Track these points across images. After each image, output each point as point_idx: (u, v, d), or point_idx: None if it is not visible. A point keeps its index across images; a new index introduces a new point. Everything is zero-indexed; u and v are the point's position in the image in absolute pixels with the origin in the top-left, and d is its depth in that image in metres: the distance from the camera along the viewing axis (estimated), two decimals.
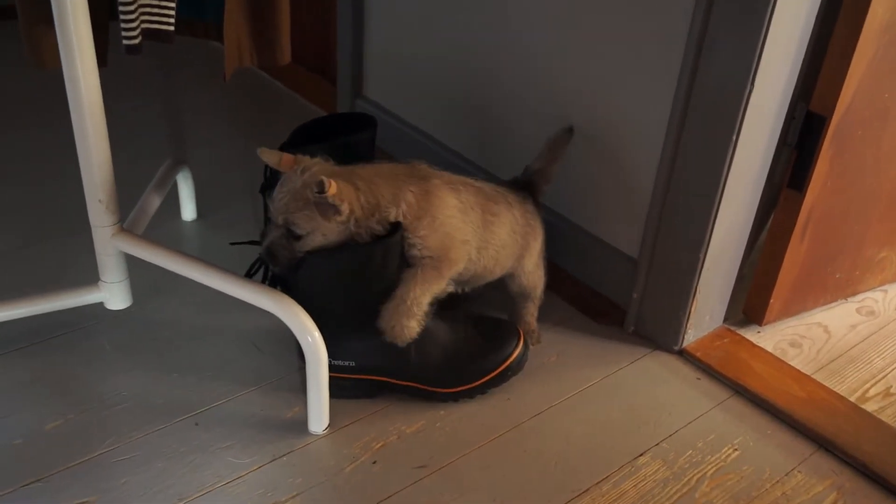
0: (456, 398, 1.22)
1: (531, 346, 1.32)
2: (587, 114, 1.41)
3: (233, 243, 1.33)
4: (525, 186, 1.31)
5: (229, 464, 1.11)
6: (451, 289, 1.21)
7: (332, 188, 1.03)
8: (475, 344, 1.23)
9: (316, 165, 1.10)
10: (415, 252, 1.13)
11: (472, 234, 1.18)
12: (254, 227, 1.58)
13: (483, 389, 1.23)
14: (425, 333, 1.16)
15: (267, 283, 1.22)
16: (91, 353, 1.28)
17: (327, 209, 1.06)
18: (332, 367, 1.16)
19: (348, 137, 1.28)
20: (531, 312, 1.35)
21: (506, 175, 1.39)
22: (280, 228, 1.09)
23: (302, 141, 1.27)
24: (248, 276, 1.20)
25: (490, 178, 1.37)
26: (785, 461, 1.19)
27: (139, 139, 1.84)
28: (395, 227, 1.11)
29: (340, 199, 1.05)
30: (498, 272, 1.26)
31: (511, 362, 1.23)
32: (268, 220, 1.28)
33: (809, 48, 1.22)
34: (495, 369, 1.22)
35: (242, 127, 1.96)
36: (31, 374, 1.22)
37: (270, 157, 1.11)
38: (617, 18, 1.32)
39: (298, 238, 1.09)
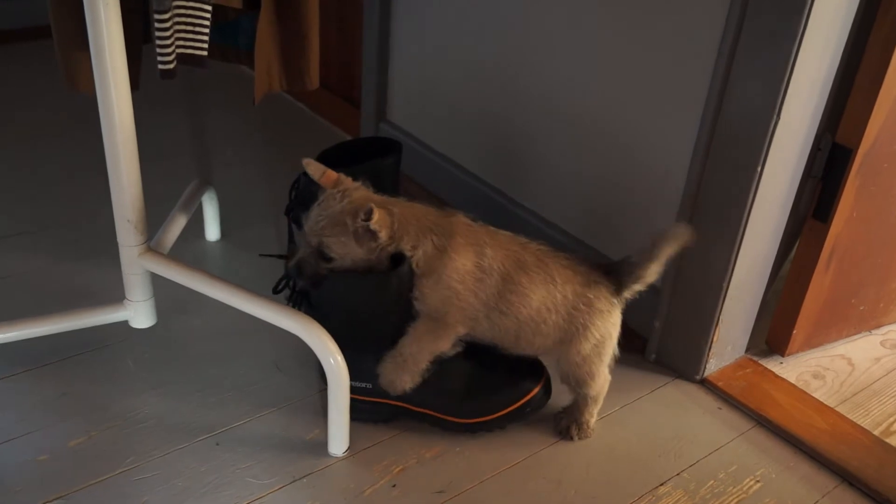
0: (472, 430, 1.22)
1: (575, 438, 1.23)
2: (610, 139, 1.42)
3: (262, 255, 1.34)
4: (610, 273, 1.15)
5: (249, 484, 1.12)
6: (455, 349, 1.17)
7: (377, 216, 1.04)
8: (497, 376, 1.21)
9: (357, 191, 1.11)
10: (415, 304, 1.13)
11: (480, 302, 1.11)
12: (277, 248, 1.60)
13: (501, 424, 1.23)
14: (447, 361, 1.17)
15: (290, 301, 1.23)
16: (115, 370, 1.29)
17: (366, 235, 1.07)
18: (349, 389, 1.17)
19: (373, 162, 1.30)
20: (580, 408, 1.22)
21: (530, 199, 1.39)
22: (311, 247, 1.10)
23: (328, 164, 1.29)
24: (276, 292, 1.21)
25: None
26: (807, 494, 1.18)
27: (167, 159, 1.86)
28: (402, 256, 1.11)
29: (380, 227, 1.06)
30: (527, 347, 1.17)
31: (531, 398, 1.21)
32: (292, 240, 1.30)
33: (836, 80, 1.22)
34: (514, 403, 1.21)
35: (267, 149, 1.98)
36: (56, 391, 1.24)
37: (315, 169, 1.11)
38: (643, 47, 1.33)
39: (329, 259, 1.10)
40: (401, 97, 1.87)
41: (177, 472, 1.13)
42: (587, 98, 1.44)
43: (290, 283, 1.25)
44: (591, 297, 1.13)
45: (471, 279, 1.10)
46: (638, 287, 1.15)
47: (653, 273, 1.13)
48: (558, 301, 1.12)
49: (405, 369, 1.15)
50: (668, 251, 1.12)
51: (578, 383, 1.19)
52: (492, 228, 1.14)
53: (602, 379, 1.19)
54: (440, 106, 1.76)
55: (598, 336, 1.15)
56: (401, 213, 1.09)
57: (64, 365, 1.29)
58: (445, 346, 1.15)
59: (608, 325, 1.15)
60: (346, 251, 1.09)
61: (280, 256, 1.26)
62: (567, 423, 1.23)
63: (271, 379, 1.30)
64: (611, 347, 1.17)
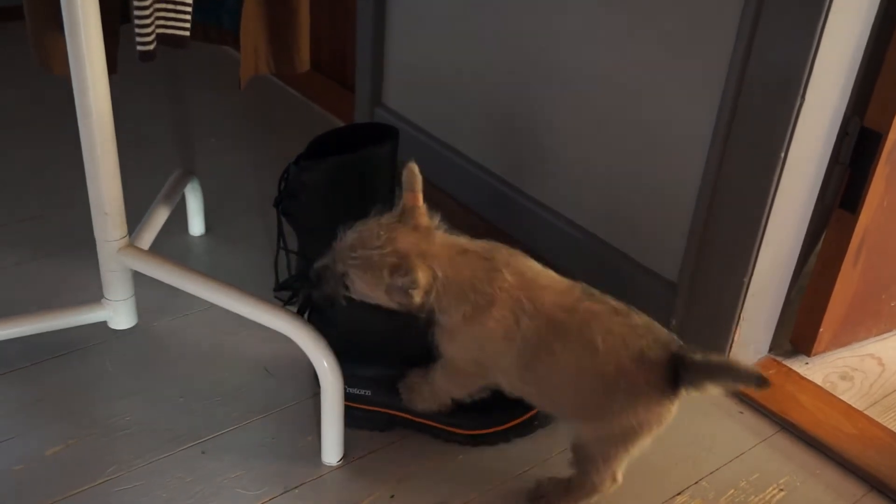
0: (475, 442, 1.22)
1: None
2: (624, 128, 1.42)
3: (280, 248, 1.32)
4: (677, 358, 1.02)
5: (238, 495, 1.12)
6: (481, 395, 1.14)
7: (420, 283, 0.99)
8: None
9: (411, 234, 1.03)
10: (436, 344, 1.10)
11: (503, 366, 1.07)
12: (266, 243, 1.60)
13: (506, 436, 1.23)
14: None
15: (290, 303, 1.23)
16: (94, 374, 1.29)
17: (398, 294, 1.01)
18: (345, 396, 1.17)
19: (368, 150, 1.30)
20: (567, 494, 1.12)
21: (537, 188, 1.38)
22: (337, 271, 1.04)
23: (319, 152, 1.29)
24: (280, 289, 1.21)
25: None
26: (834, 503, 1.18)
27: (147, 148, 1.87)
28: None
29: (418, 293, 1.00)
30: (557, 414, 1.14)
31: (538, 411, 1.22)
32: (281, 234, 1.30)
33: (865, 59, 1.22)
34: (521, 416, 1.22)
35: (254, 137, 1.98)
36: (31, 396, 1.24)
37: (411, 180, 1.04)
38: (659, 30, 1.32)
39: (348, 289, 1.05)
40: (398, 80, 1.87)
41: (160, 482, 1.13)
42: (599, 82, 1.44)
43: (296, 284, 1.25)
44: (640, 377, 1.02)
45: (494, 345, 1.05)
46: (692, 390, 1.03)
47: (708, 388, 1.02)
48: (596, 373, 1.03)
49: (424, 399, 1.16)
50: (727, 382, 1.02)
51: (586, 461, 1.09)
52: (545, 278, 1.06)
53: (610, 473, 1.09)
54: (440, 90, 1.76)
55: (633, 422, 1.04)
56: (447, 273, 1.02)
57: (39, 369, 1.29)
58: (468, 391, 1.13)
59: (650, 414, 1.04)
60: (370, 295, 1.04)
61: (296, 252, 1.26)
62: (542, 502, 1.14)
63: (261, 383, 1.30)
64: (643, 441, 1.06)
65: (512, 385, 1.09)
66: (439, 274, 1.02)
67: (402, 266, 0.99)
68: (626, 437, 1.05)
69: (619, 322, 1.03)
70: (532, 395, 1.10)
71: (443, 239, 1.05)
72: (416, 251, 1.01)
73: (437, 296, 1.02)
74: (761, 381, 0.98)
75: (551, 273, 1.08)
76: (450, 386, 1.14)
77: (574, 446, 1.10)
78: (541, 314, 1.03)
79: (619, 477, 1.10)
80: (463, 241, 1.06)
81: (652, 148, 1.39)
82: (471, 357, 1.08)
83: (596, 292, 1.06)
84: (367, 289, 1.03)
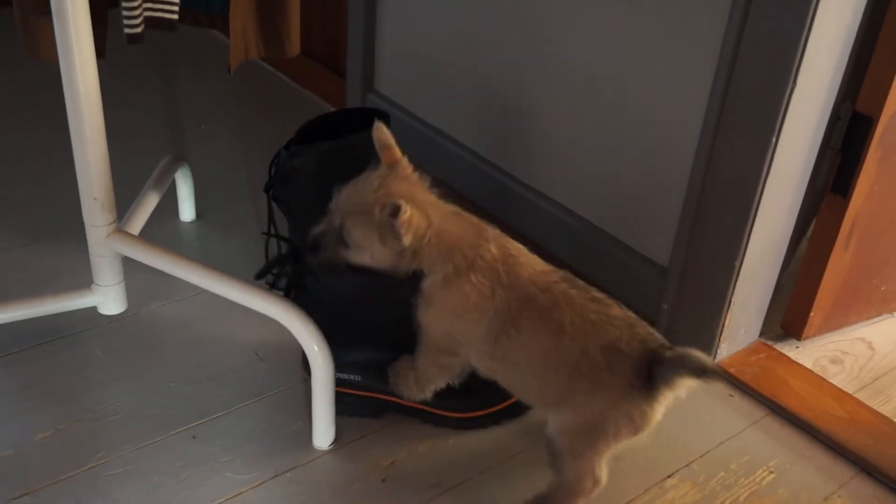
0: (466, 425, 1.24)
1: None
2: (616, 113, 1.43)
3: (265, 233, 1.33)
4: (656, 354, 1.00)
5: (229, 479, 1.14)
6: (461, 379, 1.15)
7: (406, 215, 0.99)
8: None
9: (404, 181, 1.05)
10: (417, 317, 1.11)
11: (474, 340, 1.08)
12: (256, 229, 1.61)
13: (496, 418, 1.25)
14: None
15: (273, 285, 1.24)
16: (83, 360, 1.30)
17: (389, 234, 1.01)
18: (335, 381, 1.19)
19: (358, 135, 1.30)
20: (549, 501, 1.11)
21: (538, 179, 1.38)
22: (333, 226, 1.06)
23: (310, 138, 1.30)
24: (260, 277, 1.22)
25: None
26: (824, 485, 1.20)
27: (137, 134, 1.87)
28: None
29: (407, 230, 1.01)
30: (522, 397, 1.15)
31: None
32: (272, 220, 1.31)
33: (857, 43, 1.23)
34: (511, 399, 1.23)
35: (244, 123, 1.99)
36: (20, 382, 1.25)
37: (381, 138, 1.06)
38: (652, 14, 1.33)
39: (347, 246, 1.06)
40: (390, 65, 1.87)
41: (151, 467, 1.14)
42: (590, 68, 1.45)
43: (276, 270, 1.26)
44: (604, 366, 1.01)
45: (467, 316, 1.06)
46: (668, 392, 1.02)
47: (678, 384, 1.01)
48: (561, 355, 1.03)
49: (409, 386, 1.17)
50: (683, 373, 0.99)
51: (557, 457, 1.08)
52: (527, 258, 1.07)
53: (586, 472, 1.07)
54: (433, 75, 1.76)
55: (594, 415, 1.03)
56: (440, 226, 1.04)
57: (28, 355, 1.30)
58: (446, 375, 1.14)
59: (615, 410, 1.02)
60: (368, 244, 1.04)
61: (280, 237, 1.27)
62: None
63: (251, 368, 1.32)
64: (611, 439, 1.04)
65: (482, 362, 1.10)
66: (433, 221, 1.04)
67: (392, 204, 0.99)
68: (592, 431, 1.04)
69: (594, 309, 1.03)
70: (500, 375, 1.10)
71: (437, 198, 1.07)
72: (409, 197, 1.03)
73: (428, 247, 1.04)
74: (702, 371, 0.97)
75: (536, 257, 1.09)
76: (428, 367, 1.14)
77: (546, 442, 1.09)
78: (515, 287, 1.05)
79: (603, 477, 1.08)
80: (458, 207, 1.09)
81: (643, 133, 1.40)
82: (444, 328, 1.09)
83: (579, 281, 1.07)
84: (363, 236, 1.04)
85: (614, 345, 1.01)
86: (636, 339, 1.01)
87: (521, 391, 1.12)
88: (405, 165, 1.08)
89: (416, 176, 1.07)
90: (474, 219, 1.08)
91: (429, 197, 1.06)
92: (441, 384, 1.16)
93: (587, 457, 1.07)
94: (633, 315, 1.05)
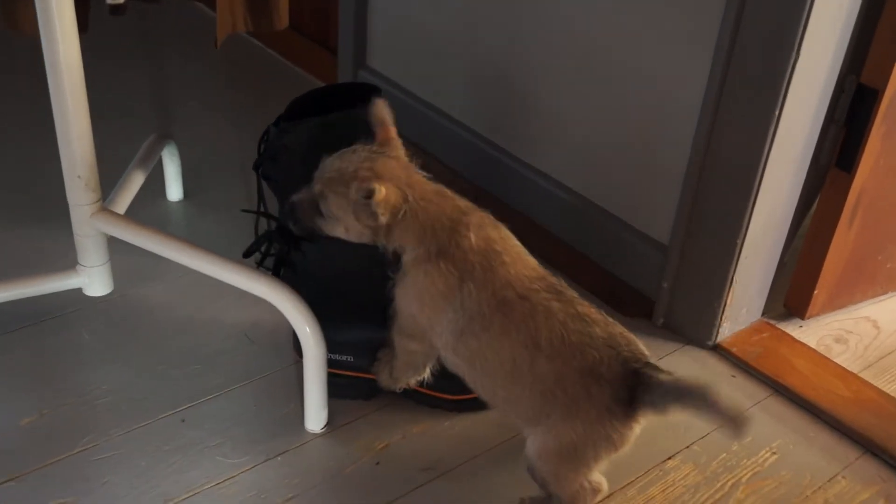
0: (461, 407, 1.23)
1: None
2: (615, 87, 1.42)
3: (244, 210, 1.33)
4: (637, 374, 0.98)
5: (219, 463, 1.13)
6: (422, 376, 1.15)
7: (380, 196, 0.98)
8: None
9: (389, 160, 1.03)
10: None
11: (438, 331, 1.05)
12: (246, 208, 1.59)
13: None
14: None
15: (262, 264, 1.23)
16: (69, 343, 1.29)
17: (364, 212, 1.00)
18: (327, 362, 1.18)
19: (349, 110, 1.29)
20: None
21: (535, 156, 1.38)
22: (311, 193, 1.05)
23: (300, 114, 1.28)
24: (246, 255, 1.21)
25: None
26: (828, 466, 1.20)
27: (122, 112, 1.85)
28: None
29: (384, 211, 0.99)
30: (493, 405, 1.10)
31: None
32: (262, 198, 1.30)
33: (861, 13, 1.22)
34: None
35: (232, 100, 1.97)
36: (4, 365, 1.24)
37: (379, 113, 1.06)
38: None
39: (321, 215, 1.05)
40: (382, 41, 1.86)
41: (139, 451, 1.14)
42: (589, 41, 1.43)
43: (264, 248, 1.25)
44: (581, 391, 0.99)
45: (431, 302, 1.04)
46: (649, 412, 1.00)
47: (671, 411, 0.98)
48: (535, 372, 1.00)
49: (392, 374, 1.17)
50: (700, 413, 0.97)
51: (541, 481, 1.06)
52: (514, 257, 1.04)
53: (574, 491, 1.05)
54: (426, 50, 1.75)
55: (571, 440, 1.00)
56: (416, 205, 1.02)
57: (12, 338, 1.29)
58: (417, 359, 1.13)
59: (592, 435, 1.00)
60: (342, 216, 1.04)
61: (263, 214, 1.26)
62: None
63: (241, 350, 1.31)
64: (592, 461, 1.02)
65: (445, 355, 1.07)
66: (410, 199, 1.02)
67: (369, 180, 0.99)
68: (570, 455, 1.02)
69: (575, 329, 0.99)
70: (465, 374, 1.07)
71: (423, 178, 1.06)
72: (390, 175, 1.02)
73: (402, 224, 1.02)
74: (740, 425, 0.93)
75: (528, 258, 1.06)
76: (398, 352, 1.13)
77: (527, 466, 1.07)
78: (488, 285, 1.01)
79: (603, 484, 1.07)
80: (446, 189, 1.06)
81: (643, 107, 1.39)
82: (409, 310, 1.07)
83: (567, 293, 1.03)
84: (338, 207, 1.03)
85: (594, 369, 0.98)
86: (617, 361, 0.99)
87: (489, 397, 1.08)
88: (397, 144, 1.07)
89: (404, 156, 1.06)
90: (461, 202, 1.05)
91: (412, 177, 1.04)
92: (410, 374, 1.15)
93: (570, 480, 1.05)
94: (619, 331, 1.02)
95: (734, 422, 0.94)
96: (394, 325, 1.12)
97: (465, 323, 1.02)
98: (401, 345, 1.13)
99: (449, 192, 1.06)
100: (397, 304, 1.09)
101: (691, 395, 0.96)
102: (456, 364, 1.08)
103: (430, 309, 1.05)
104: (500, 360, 1.02)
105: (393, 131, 1.07)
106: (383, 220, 1.00)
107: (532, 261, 1.06)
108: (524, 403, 1.03)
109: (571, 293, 1.04)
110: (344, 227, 1.05)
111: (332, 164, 1.05)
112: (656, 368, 0.99)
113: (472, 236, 1.02)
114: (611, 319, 1.03)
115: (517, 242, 1.06)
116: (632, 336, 1.02)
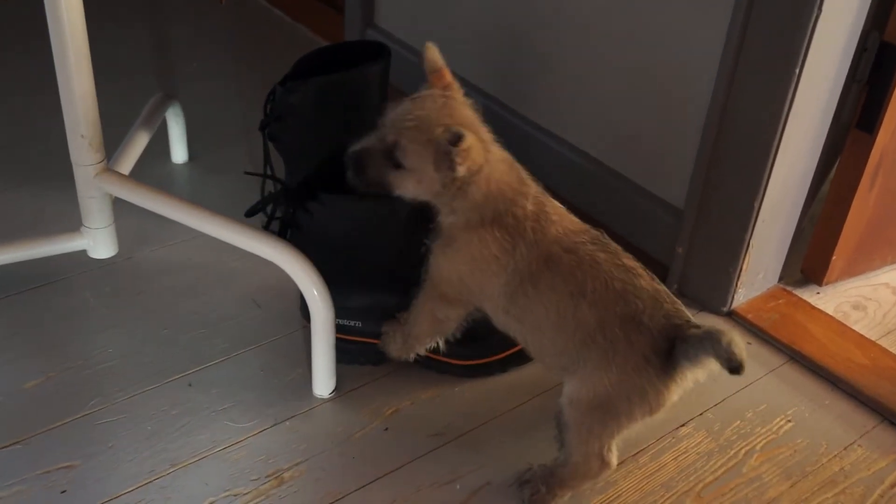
0: (470, 373, 1.24)
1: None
2: (629, 46, 1.41)
3: (247, 173, 1.32)
4: (679, 330, 0.99)
5: (226, 427, 1.14)
6: (444, 341, 1.15)
7: (468, 143, 0.95)
8: None
9: (464, 107, 1.02)
10: (426, 270, 1.10)
11: (489, 294, 1.06)
12: (252, 169, 1.59)
13: (503, 367, 1.25)
14: None
15: (267, 227, 1.23)
16: (74, 306, 1.30)
17: (445, 162, 0.97)
18: (335, 328, 1.18)
19: (359, 69, 1.29)
20: (551, 478, 1.08)
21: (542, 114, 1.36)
22: (384, 143, 1.01)
23: (307, 73, 1.28)
24: (249, 214, 1.21)
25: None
26: (844, 434, 1.20)
27: (126, 72, 1.85)
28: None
29: (464, 160, 0.96)
30: (537, 358, 1.11)
31: None
32: (268, 160, 1.29)
33: None
34: (516, 345, 1.22)
35: (239, 60, 1.96)
36: (8, 329, 1.25)
37: (432, 58, 1.04)
38: None
39: (396, 167, 1.01)
40: None
41: (145, 414, 1.15)
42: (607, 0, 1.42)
43: (270, 210, 1.25)
44: (621, 337, 0.99)
45: (485, 267, 1.04)
46: (688, 371, 1.00)
47: (703, 362, 0.98)
48: (578, 318, 1.01)
49: (399, 347, 1.17)
50: (709, 354, 0.96)
51: (566, 430, 1.05)
52: (559, 215, 1.05)
53: (594, 451, 1.05)
54: (436, 8, 1.74)
55: (605, 389, 1.01)
56: (492, 168, 1.01)
57: (15, 300, 1.30)
58: (448, 326, 1.13)
59: (627, 385, 1.00)
60: (421, 167, 1.00)
61: (266, 176, 1.26)
62: (528, 487, 1.10)
63: (248, 314, 1.31)
64: (623, 418, 1.02)
65: (497, 317, 1.08)
66: (492, 157, 1.01)
67: (456, 130, 0.96)
68: (602, 407, 1.02)
69: (620, 277, 1.01)
70: (515, 332, 1.08)
71: (490, 134, 1.04)
72: (473, 127, 1.00)
73: (474, 185, 1.00)
74: (735, 367, 0.93)
75: (571, 216, 1.07)
76: (421, 318, 1.13)
77: (556, 412, 1.07)
78: (538, 245, 1.03)
79: (612, 460, 1.06)
80: (508, 154, 1.06)
81: (658, 66, 1.38)
82: (458, 273, 1.07)
83: (612, 244, 1.04)
84: (418, 157, 0.99)
85: (636, 316, 0.99)
86: (660, 313, 0.99)
87: (536, 351, 1.09)
88: (456, 87, 1.04)
89: (473, 106, 1.04)
90: (522, 172, 1.06)
91: (487, 134, 1.04)
92: (429, 342, 1.15)
93: (595, 435, 1.04)
94: (664, 289, 1.03)
95: (727, 360, 0.93)
96: (425, 292, 1.11)
97: (516, 284, 1.03)
98: (433, 311, 1.12)
99: (511, 158, 1.05)
100: (439, 269, 1.08)
101: (703, 338, 0.95)
102: (506, 323, 1.08)
103: (484, 273, 1.05)
104: (546, 313, 1.03)
105: (449, 75, 1.04)
106: (462, 171, 0.98)
107: (574, 217, 1.07)
108: (566, 352, 1.03)
109: (616, 246, 1.05)
110: (417, 179, 1.02)
111: (405, 112, 1.01)
112: (697, 326, 0.99)
113: (529, 204, 1.03)
114: (657, 278, 1.03)
115: (560, 205, 1.07)
116: (675, 298, 1.03)
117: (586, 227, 1.06)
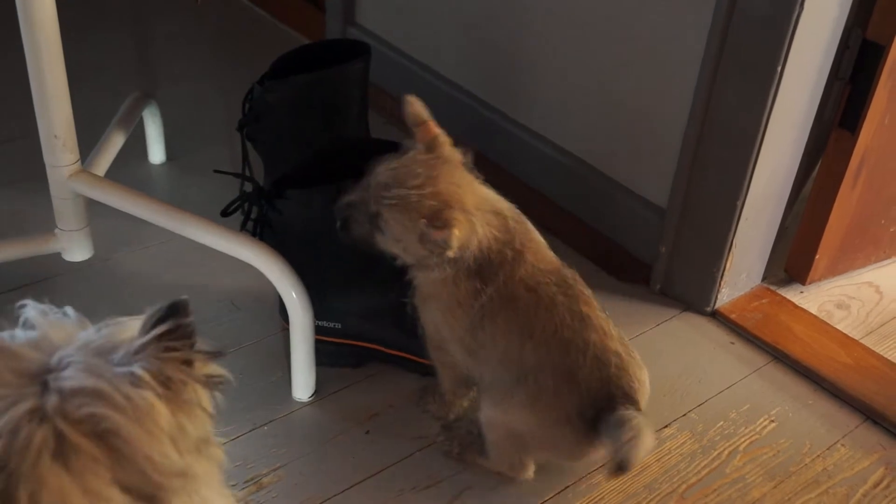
0: None
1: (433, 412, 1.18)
2: (611, 42, 1.41)
3: (217, 171, 1.31)
4: (602, 399, 1.00)
5: None
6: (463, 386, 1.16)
7: (455, 234, 0.95)
8: None
9: (448, 173, 1.00)
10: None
11: (460, 330, 1.06)
12: (230, 169, 1.59)
13: None
14: None
15: (244, 227, 1.22)
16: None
17: (432, 243, 0.97)
18: (315, 330, 1.18)
19: (337, 67, 1.28)
20: (472, 443, 1.12)
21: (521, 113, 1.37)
22: (368, 209, 1.01)
23: (285, 72, 1.27)
24: (225, 214, 1.21)
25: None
26: (827, 434, 1.21)
27: (101, 71, 1.84)
28: None
29: (455, 245, 0.96)
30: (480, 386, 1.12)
31: None
32: (247, 160, 1.29)
33: None
34: None
35: (217, 58, 1.95)
36: None
37: (414, 111, 1.01)
38: None
39: (382, 233, 1.02)
40: None
41: None
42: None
43: (245, 207, 1.24)
44: (550, 387, 1.00)
45: (455, 311, 1.05)
46: (607, 443, 1.00)
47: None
48: (520, 359, 1.02)
49: (445, 404, 1.17)
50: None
51: (484, 435, 1.08)
52: (535, 254, 1.04)
53: (503, 462, 1.09)
54: (418, 6, 1.73)
55: (523, 428, 1.03)
56: (481, 238, 1.00)
57: None
58: (451, 374, 1.13)
59: (544, 433, 1.03)
60: (405, 239, 1.00)
61: (237, 175, 1.25)
62: (444, 433, 1.15)
63: (226, 317, 1.31)
64: (532, 453, 1.07)
65: (460, 356, 1.08)
66: (479, 231, 0.99)
67: (441, 215, 0.96)
68: (520, 439, 1.04)
69: (572, 327, 1.01)
70: (468, 363, 1.08)
71: (480, 189, 1.02)
72: (456, 196, 0.98)
73: (465, 254, 1.00)
74: (621, 467, 0.94)
75: (547, 251, 1.07)
76: (441, 371, 1.13)
77: (478, 420, 1.09)
78: (506, 286, 1.02)
79: (528, 471, 1.08)
80: (494, 197, 1.04)
81: (640, 64, 1.38)
82: (434, 323, 1.08)
83: (577, 288, 1.04)
84: (401, 230, 0.99)
85: (571, 371, 1.00)
86: (598, 375, 1.00)
87: (480, 383, 1.10)
88: (444, 141, 1.02)
89: (460, 160, 1.02)
90: (508, 211, 1.04)
91: (476, 193, 1.01)
92: (461, 391, 1.15)
93: (510, 454, 1.07)
94: (617, 347, 1.02)
95: (618, 461, 0.94)
96: (428, 347, 1.12)
97: (477, 321, 1.04)
98: (441, 361, 1.12)
99: (500, 205, 1.04)
100: (425, 323, 1.09)
101: (620, 433, 0.95)
102: (465, 361, 1.08)
103: (454, 317, 1.05)
104: (495, 347, 1.04)
105: (434, 127, 1.02)
106: (451, 253, 0.97)
107: (550, 254, 1.07)
108: (498, 383, 1.04)
109: (580, 290, 1.04)
110: (402, 248, 1.02)
111: (386, 181, 0.99)
112: (631, 403, 0.99)
113: (510, 252, 1.02)
114: (619, 335, 1.03)
115: (538, 236, 1.07)
116: (632, 363, 1.02)
117: (558, 266, 1.06)
